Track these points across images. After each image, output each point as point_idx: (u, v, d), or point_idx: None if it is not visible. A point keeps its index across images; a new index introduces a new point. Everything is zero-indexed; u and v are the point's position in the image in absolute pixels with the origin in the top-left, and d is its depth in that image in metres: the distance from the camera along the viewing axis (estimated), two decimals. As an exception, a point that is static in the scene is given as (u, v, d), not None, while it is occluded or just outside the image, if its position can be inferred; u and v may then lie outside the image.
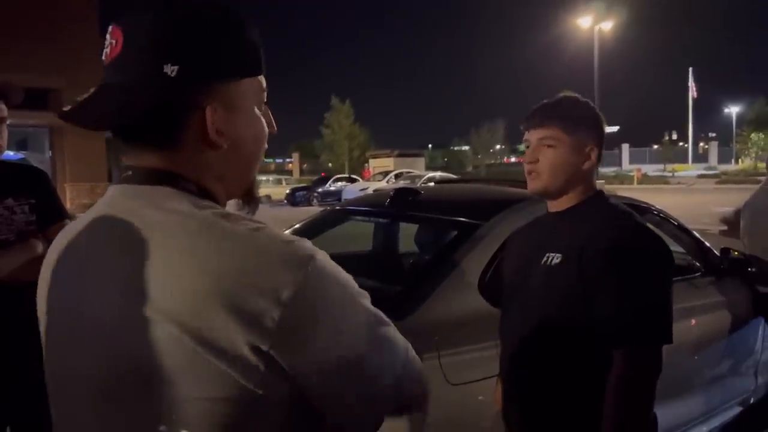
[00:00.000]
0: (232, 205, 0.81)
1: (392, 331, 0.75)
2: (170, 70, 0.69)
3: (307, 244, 0.70)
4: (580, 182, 1.53)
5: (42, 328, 0.81)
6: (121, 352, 0.67)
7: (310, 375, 0.67)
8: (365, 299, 0.73)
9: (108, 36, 0.72)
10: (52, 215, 2.03)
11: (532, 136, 1.53)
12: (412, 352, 0.78)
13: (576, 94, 1.59)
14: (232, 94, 0.74)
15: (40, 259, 1.90)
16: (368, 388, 0.72)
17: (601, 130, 1.55)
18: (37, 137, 22.22)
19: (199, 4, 0.73)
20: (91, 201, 20.55)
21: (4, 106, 1.89)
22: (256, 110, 0.78)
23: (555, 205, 1.58)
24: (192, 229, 0.68)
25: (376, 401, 0.73)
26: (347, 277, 0.72)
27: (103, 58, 0.73)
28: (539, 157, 1.51)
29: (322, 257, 0.69)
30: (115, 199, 0.75)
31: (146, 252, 0.67)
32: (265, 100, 0.80)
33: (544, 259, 1.50)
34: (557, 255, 1.47)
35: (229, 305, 0.63)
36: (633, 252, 1.40)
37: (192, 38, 0.70)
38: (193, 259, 0.65)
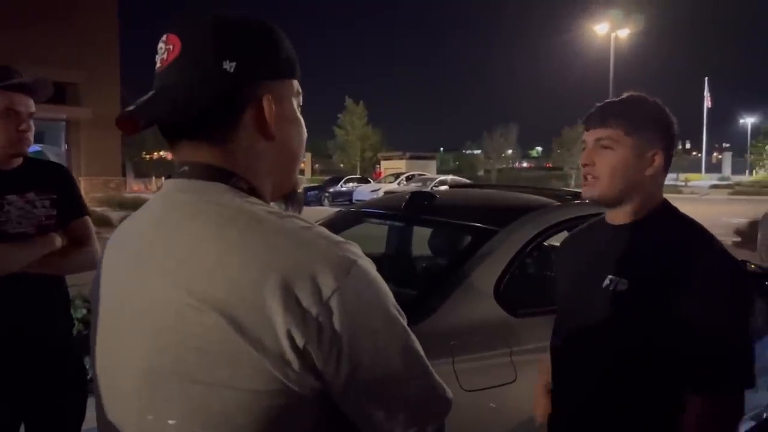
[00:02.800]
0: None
1: (420, 348, 0.76)
2: (229, 66, 0.75)
3: (353, 247, 0.73)
4: (641, 191, 1.38)
5: (95, 314, 0.84)
6: (167, 339, 0.70)
7: (340, 377, 0.68)
8: (401, 314, 0.74)
9: (162, 44, 0.78)
10: (73, 211, 2.05)
11: (590, 136, 1.40)
12: (437, 377, 0.79)
13: (643, 94, 1.43)
14: (280, 92, 0.80)
15: (57, 253, 1.94)
16: (394, 398, 0.73)
17: (670, 133, 1.39)
18: (54, 131, 22.44)
19: (240, 14, 0.80)
20: (105, 195, 20.76)
21: (32, 102, 1.91)
22: (298, 111, 0.84)
23: (615, 217, 1.43)
24: (242, 223, 0.71)
25: (401, 411, 0.74)
26: (386, 288, 0.74)
27: (159, 65, 0.78)
28: (595, 159, 1.37)
29: (366, 263, 0.72)
30: (171, 193, 0.79)
31: (198, 243, 0.71)
32: (302, 104, 0.86)
33: (606, 282, 1.36)
34: (623, 280, 1.33)
35: (273, 298, 0.65)
36: (718, 283, 1.25)
37: (245, 40, 0.77)
38: (242, 252, 0.68)
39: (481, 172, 53.61)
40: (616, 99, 1.43)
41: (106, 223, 14.15)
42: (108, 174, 22.21)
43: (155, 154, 51.52)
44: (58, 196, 2.00)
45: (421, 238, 3.32)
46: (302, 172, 53.17)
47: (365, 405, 0.72)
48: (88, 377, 2.63)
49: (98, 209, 16.71)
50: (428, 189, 3.61)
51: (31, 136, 1.92)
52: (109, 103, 21.51)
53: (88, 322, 3.86)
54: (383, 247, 3.58)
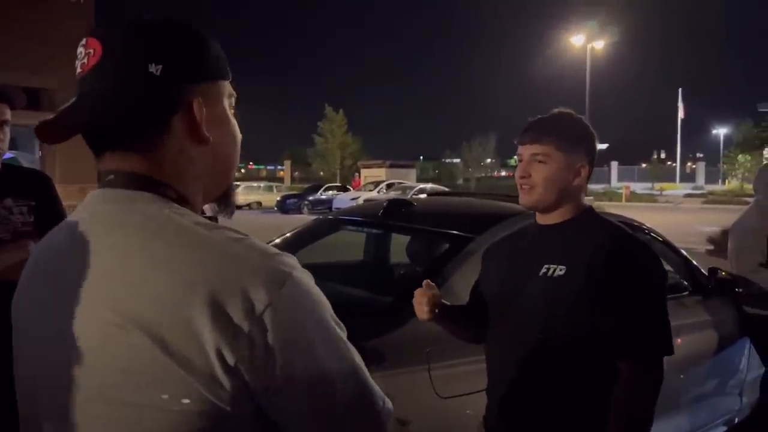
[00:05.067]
0: (208, 210, 0.82)
1: (361, 363, 0.73)
2: (155, 69, 0.71)
3: (288, 259, 0.69)
4: (571, 198, 1.57)
5: (15, 335, 0.80)
6: (92, 360, 0.66)
7: (274, 394, 0.66)
8: (340, 327, 0.72)
9: (82, 49, 0.74)
10: (52, 219, 2.02)
11: (525, 151, 1.56)
12: (377, 388, 0.74)
13: (570, 111, 1.61)
14: (211, 93, 0.77)
15: None
16: (329, 416, 0.70)
17: (593, 147, 1.59)
18: (28, 137, 22.01)
19: (163, 16, 0.76)
20: (80, 202, 20.37)
21: (7, 109, 1.90)
22: (230, 112, 0.81)
23: (546, 219, 1.61)
24: (169, 236, 0.68)
25: (336, 426, 0.71)
26: (324, 300, 0.71)
27: (79, 70, 0.74)
28: (531, 172, 1.54)
29: (301, 275, 0.69)
30: (95, 204, 0.75)
31: (122, 257, 0.67)
32: (234, 105, 0.82)
33: (543, 270, 1.53)
34: (560, 267, 1.50)
35: (201, 315, 0.62)
36: (638, 269, 1.48)
37: (170, 42, 0.73)
38: (168, 268, 0.65)
39: (460, 181, 53.96)
40: (547, 116, 1.60)
41: (80, 231, 13.90)
42: (84, 181, 21.79)
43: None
44: (37, 203, 1.98)
45: (399, 245, 3.33)
46: (281, 179, 53.00)
47: (298, 422, 0.69)
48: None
49: (73, 217, 16.42)
50: (407, 197, 3.62)
51: (5, 144, 1.90)
52: (85, 109, 21.20)
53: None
54: (361, 255, 3.58)
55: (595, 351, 1.46)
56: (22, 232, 1.93)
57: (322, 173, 49.43)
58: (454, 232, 2.52)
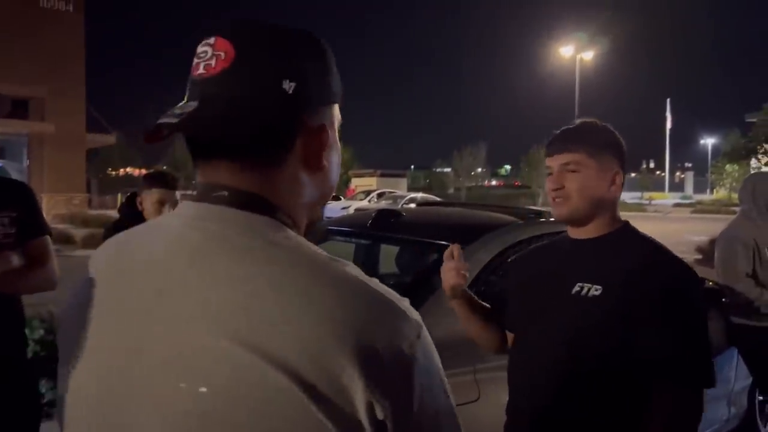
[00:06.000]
0: None
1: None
2: (288, 86, 0.67)
3: (408, 303, 0.66)
4: (607, 209, 1.48)
5: (78, 363, 0.67)
6: (212, 397, 0.58)
7: None
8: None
9: (207, 48, 0.68)
10: (33, 230, 2.01)
11: (555, 161, 1.48)
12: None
13: (594, 119, 1.54)
14: (331, 118, 0.74)
15: (13, 272, 1.89)
16: None
17: (624, 153, 1.51)
18: (16, 146, 21.91)
19: (296, 27, 0.72)
20: (68, 212, 20.31)
21: None
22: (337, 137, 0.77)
23: (580, 233, 1.51)
24: (304, 268, 0.62)
25: None
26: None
27: (202, 71, 0.68)
28: (564, 182, 1.45)
29: (421, 320, 0.65)
30: (208, 222, 0.66)
31: (254, 289, 0.60)
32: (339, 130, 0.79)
33: (576, 288, 1.43)
34: (596, 287, 1.40)
35: (350, 363, 0.57)
36: (682, 293, 1.37)
37: (304, 58, 0.70)
38: (311, 305, 0.59)
39: (451, 190, 54.07)
40: (573, 126, 1.52)
41: (68, 241, 13.82)
42: (72, 190, 21.70)
43: (121, 170, 50.63)
44: (18, 215, 1.96)
45: (388, 255, 3.33)
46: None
47: None
48: (43, 402, 2.55)
49: (61, 226, 16.32)
50: (398, 206, 3.62)
51: None
52: (73, 118, 21.11)
53: (46, 344, 3.73)
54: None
55: (629, 377, 1.36)
56: (4, 243, 1.91)
57: (313, 182, 49.38)
58: (443, 242, 2.52)
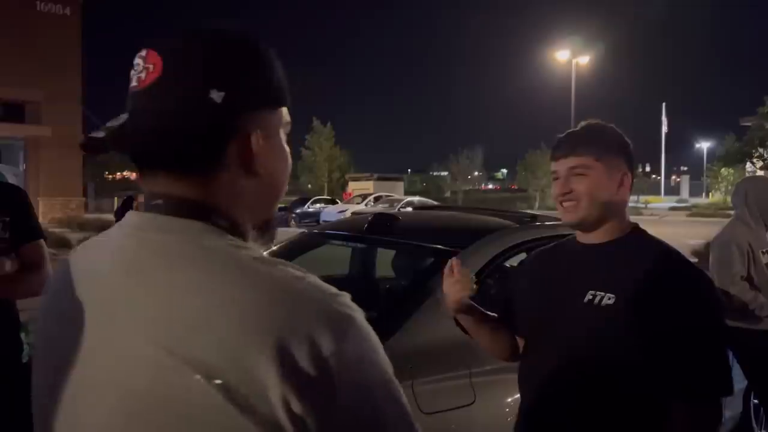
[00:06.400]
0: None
1: (406, 400, 0.70)
2: (217, 96, 0.67)
3: (347, 299, 0.67)
4: (616, 212, 1.44)
5: (41, 367, 0.74)
6: (140, 403, 0.62)
7: None
8: (389, 366, 0.69)
9: (140, 60, 0.70)
10: (27, 234, 2.01)
11: (561, 166, 1.44)
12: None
13: (600, 121, 1.51)
14: (269, 123, 0.74)
15: (7, 277, 1.89)
16: None
17: (631, 154, 1.47)
18: (12, 149, 21.84)
19: (232, 32, 0.72)
20: (64, 216, 20.26)
21: None
22: (285, 142, 0.78)
23: (589, 237, 1.47)
24: (229, 272, 0.65)
25: None
26: (377, 340, 0.69)
27: (135, 84, 0.70)
28: (572, 186, 1.41)
29: (361, 317, 0.67)
30: (144, 231, 0.70)
31: (180, 295, 0.64)
32: (289, 132, 0.79)
33: (588, 296, 1.39)
34: (608, 295, 1.37)
35: (268, 363, 0.59)
36: (698, 300, 1.34)
37: (235, 65, 0.70)
38: (232, 309, 0.62)
39: (447, 194, 54.06)
40: (579, 128, 1.49)
41: (65, 245, 13.77)
42: (68, 194, 21.66)
43: (118, 174, 50.52)
44: (11, 219, 1.96)
45: (385, 259, 3.34)
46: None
47: None
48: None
49: (57, 230, 16.27)
50: (395, 210, 3.63)
51: None
52: (70, 121, 21.07)
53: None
54: (346, 269, 3.58)
55: (644, 388, 1.33)
56: None
57: (309, 186, 49.36)
58: (439, 246, 2.53)
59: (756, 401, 3.58)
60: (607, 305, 1.36)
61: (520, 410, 1.57)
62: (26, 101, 20.91)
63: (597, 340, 1.37)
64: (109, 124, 0.69)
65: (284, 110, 0.77)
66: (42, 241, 2.07)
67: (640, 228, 1.50)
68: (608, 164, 1.41)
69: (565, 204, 1.43)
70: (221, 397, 0.59)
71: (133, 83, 0.70)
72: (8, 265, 1.92)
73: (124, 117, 0.69)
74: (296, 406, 0.60)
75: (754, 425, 3.58)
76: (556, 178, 1.46)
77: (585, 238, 1.48)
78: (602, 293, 1.37)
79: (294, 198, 31.76)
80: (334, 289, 0.67)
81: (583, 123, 1.51)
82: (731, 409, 3.39)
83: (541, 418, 1.48)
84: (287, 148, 0.78)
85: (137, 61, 0.70)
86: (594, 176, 1.40)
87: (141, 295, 0.65)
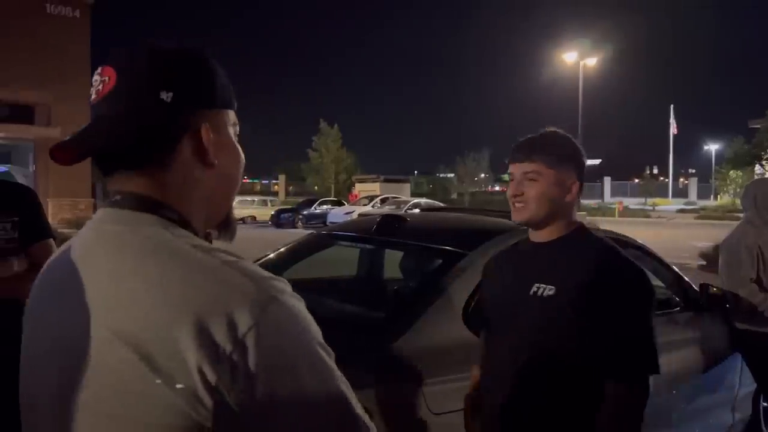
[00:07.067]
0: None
1: (347, 387, 0.73)
2: (166, 96, 0.76)
3: (278, 283, 0.71)
4: (563, 215, 1.59)
5: (22, 346, 0.85)
6: (83, 374, 0.70)
7: (256, 416, 0.66)
8: (327, 353, 0.72)
9: (97, 77, 0.79)
10: (36, 234, 2.03)
11: (517, 169, 1.60)
12: (365, 416, 0.73)
13: (557, 129, 1.65)
14: (218, 121, 0.82)
15: (15, 277, 1.90)
16: None
17: (582, 164, 1.62)
18: (22, 151, 22.02)
19: (178, 44, 0.81)
20: (73, 216, 20.39)
21: None
22: (235, 139, 0.86)
23: (538, 236, 1.63)
24: (163, 257, 0.72)
25: None
26: (313, 326, 0.72)
27: (94, 96, 0.79)
28: (524, 190, 1.57)
29: (288, 299, 0.70)
30: (101, 223, 0.80)
31: (119, 277, 0.72)
32: (238, 133, 0.87)
33: (534, 289, 1.55)
34: (549, 287, 1.52)
35: (186, 336, 0.65)
36: (623, 287, 1.48)
37: (181, 70, 0.78)
38: (158, 288, 0.69)
39: (454, 196, 53.99)
40: (537, 135, 1.63)
41: (73, 246, 13.84)
42: (77, 195, 21.78)
43: (126, 175, 50.45)
44: (21, 219, 1.98)
45: (392, 260, 3.35)
46: (276, 194, 52.96)
47: None
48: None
49: (66, 231, 16.37)
50: (402, 211, 3.64)
51: None
52: (79, 123, 20.86)
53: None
54: (355, 270, 3.59)
55: (585, 373, 1.48)
56: (6, 248, 1.93)
57: (316, 187, 49.39)
58: (447, 247, 2.53)
59: (765, 404, 3.56)
60: (549, 296, 1.51)
61: (484, 402, 1.69)
62: (36, 103, 21.05)
63: (540, 328, 1.52)
64: (72, 134, 0.76)
65: (231, 113, 0.85)
66: (51, 240, 2.09)
67: (585, 227, 1.65)
68: (559, 172, 1.56)
69: (516, 204, 1.59)
70: (146, 368, 0.65)
71: (93, 96, 0.79)
72: (17, 265, 1.94)
73: (85, 125, 0.77)
74: (211, 377, 0.65)
75: (764, 428, 3.56)
76: (512, 180, 1.61)
77: (535, 236, 1.64)
78: (545, 285, 1.53)
79: (301, 199, 31.81)
80: (267, 274, 0.72)
81: (542, 130, 1.65)
82: (740, 412, 3.38)
83: (497, 405, 1.62)
84: (238, 146, 0.86)
85: (95, 77, 0.79)
86: (544, 183, 1.55)
87: (89, 280, 0.74)
